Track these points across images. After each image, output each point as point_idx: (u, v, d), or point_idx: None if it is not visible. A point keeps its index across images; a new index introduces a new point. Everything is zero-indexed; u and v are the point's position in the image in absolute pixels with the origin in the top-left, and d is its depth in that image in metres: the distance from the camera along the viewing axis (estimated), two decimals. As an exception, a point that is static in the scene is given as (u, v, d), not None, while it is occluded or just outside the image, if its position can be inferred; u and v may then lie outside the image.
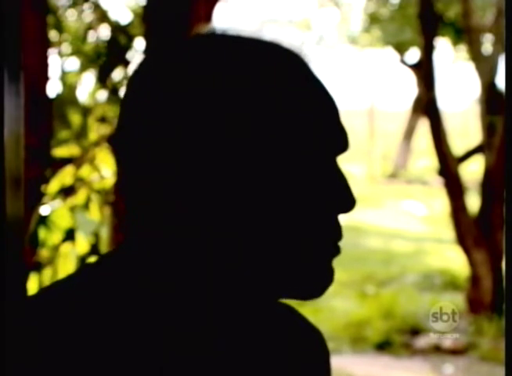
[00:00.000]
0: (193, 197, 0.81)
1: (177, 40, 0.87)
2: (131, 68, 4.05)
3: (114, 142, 0.86)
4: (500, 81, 6.77)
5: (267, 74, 0.82)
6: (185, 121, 0.81)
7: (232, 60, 0.82)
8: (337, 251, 0.85)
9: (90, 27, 4.31)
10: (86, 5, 4.40)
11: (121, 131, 0.85)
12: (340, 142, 0.85)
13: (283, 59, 0.84)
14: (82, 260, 3.38)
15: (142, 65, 0.86)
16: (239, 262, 0.82)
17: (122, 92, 4.08)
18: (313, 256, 0.83)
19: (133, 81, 0.86)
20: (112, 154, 3.47)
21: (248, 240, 0.81)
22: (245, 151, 0.80)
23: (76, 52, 4.38)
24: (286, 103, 0.82)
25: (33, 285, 3.17)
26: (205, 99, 0.81)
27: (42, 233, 3.26)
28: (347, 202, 0.84)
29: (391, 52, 14.32)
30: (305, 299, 0.85)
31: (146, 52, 3.46)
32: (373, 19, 13.33)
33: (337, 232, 0.84)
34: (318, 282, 0.84)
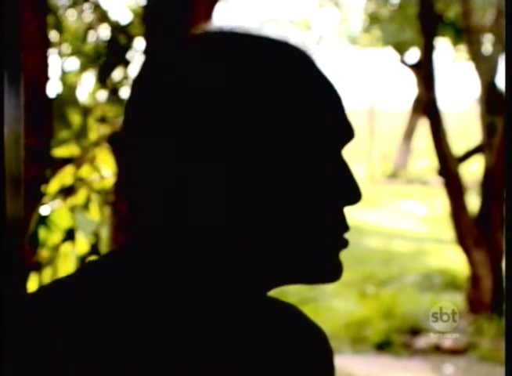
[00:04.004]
0: (196, 194, 0.81)
1: (180, 39, 0.87)
2: (132, 68, 4.06)
3: (117, 142, 0.86)
4: (500, 81, 6.78)
5: (272, 70, 0.82)
6: (188, 120, 0.81)
7: (237, 58, 0.82)
8: (343, 244, 0.84)
9: (90, 27, 4.31)
10: (86, 5, 4.40)
11: (125, 131, 0.85)
12: (345, 132, 0.85)
13: (288, 54, 0.84)
14: (82, 260, 3.38)
15: (146, 65, 0.86)
16: (245, 258, 0.82)
17: (122, 92, 4.08)
18: (319, 249, 0.83)
19: (137, 81, 0.86)
20: (112, 154, 3.47)
21: (253, 234, 0.81)
22: (250, 145, 0.80)
23: (76, 52, 4.38)
24: (290, 96, 0.82)
25: (33, 285, 3.17)
26: (208, 95, 0.81)
27: (42, 233, 3.26)
28: (353, 194, 0.83)
29: (391, 52, 14.30)
30: (315, 284, 0.85)
31: (147, 52, 3.46)
32: (373, 19, 13.30)
33: (342, 224, 0.84)
34: (325, 274, 0.84)
